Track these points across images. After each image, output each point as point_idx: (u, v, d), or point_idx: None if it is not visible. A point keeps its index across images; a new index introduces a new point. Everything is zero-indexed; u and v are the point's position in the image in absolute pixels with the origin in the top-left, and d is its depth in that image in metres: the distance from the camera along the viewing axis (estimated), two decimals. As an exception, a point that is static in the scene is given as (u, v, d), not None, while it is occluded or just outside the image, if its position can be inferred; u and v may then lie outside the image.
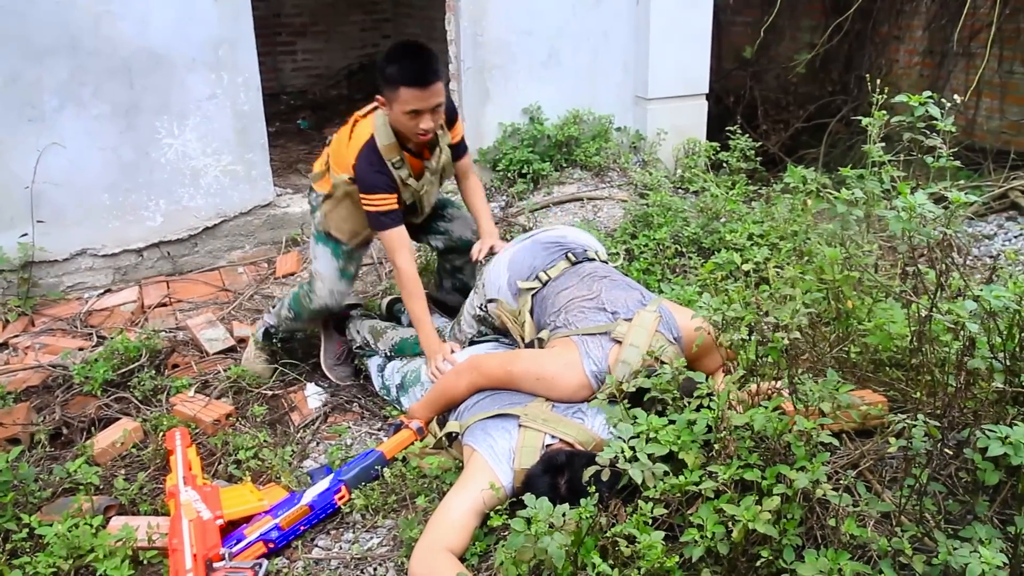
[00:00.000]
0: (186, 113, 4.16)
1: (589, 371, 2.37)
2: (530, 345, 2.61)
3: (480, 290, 2.87)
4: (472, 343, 2.98)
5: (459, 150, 3.14)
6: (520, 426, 2.30)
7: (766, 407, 1.71)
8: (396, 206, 2.88)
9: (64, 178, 3.99)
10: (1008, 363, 1.64)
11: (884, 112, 2.22)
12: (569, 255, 2.73)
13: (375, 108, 2.88)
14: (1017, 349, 1.66)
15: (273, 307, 3.35)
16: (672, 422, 1.81)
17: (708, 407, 1.79)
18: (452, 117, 3.04)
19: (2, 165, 3.85)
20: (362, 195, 2.87)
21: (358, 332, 3.21)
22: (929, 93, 1.89)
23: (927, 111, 1.83)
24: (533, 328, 2.62)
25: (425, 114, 2.70)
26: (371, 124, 2.86)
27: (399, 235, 2.90)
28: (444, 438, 2.50)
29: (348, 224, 3.03)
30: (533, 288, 2.66)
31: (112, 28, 3.91)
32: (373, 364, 3.13)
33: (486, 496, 2.12)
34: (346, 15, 8.98)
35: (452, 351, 2.86)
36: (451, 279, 3.54)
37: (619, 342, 2.38)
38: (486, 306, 2.83)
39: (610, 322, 2.44)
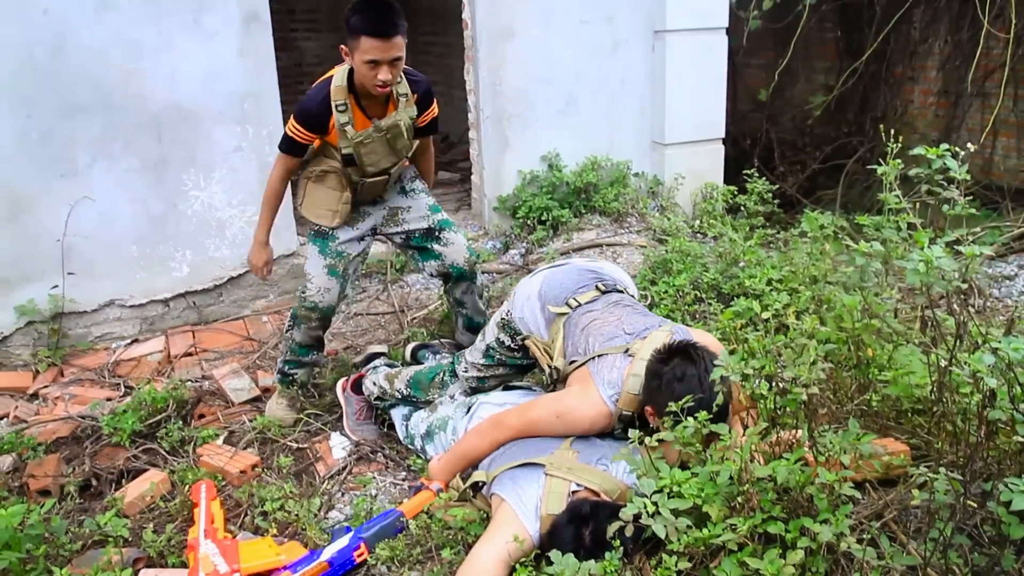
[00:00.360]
0: (212, 166, 4.26)
1: (607, 396, 2.41)
2: (553, 372, 2.65)
3: (511, 299, 2.92)
4: (507, 387, 3.00)
5: (425, 131, 3.28)
6: (546, 475, 2.32)
7: (788, 459, 1.73)
8: (305, 142, 3.07)
9: (94, 231, 4.09)
10: (1030, 414, 1.65)
11: (899, 161, 2.25)
12: (600, 285, 2.78)
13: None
14: (1039, 400, 1.67)
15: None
16: (695, 474, 1.82)
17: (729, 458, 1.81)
18: (428, 101, 3.17)
19: (35, 219, 3.96)
20: (291, 116, 3.03)
21: (375, 384, 3.24)
22: (945, 145, 1.92)
23: (944, 163, 1.86)
24: (562, 354, 2.65)
25: (384, 65, 2.80)
26: (336, 70, 3.02)
27: (288, 161, 3.15)
28: (469, 489, 2.52)
29: (321, 207, 3.16)
30: (564, 313, 2.71)
31: (142, 85, 4.03)
32: (398, 414, 3.15)
33: (511, 548, 2.14)
34: (366, 64, 9.13)
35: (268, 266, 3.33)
36: (460, 316, 3.63)
37: (633, 356, 2.43)
38: (511, 313, 2.87)
39: (626, 342, 2.50)
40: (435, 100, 3.22)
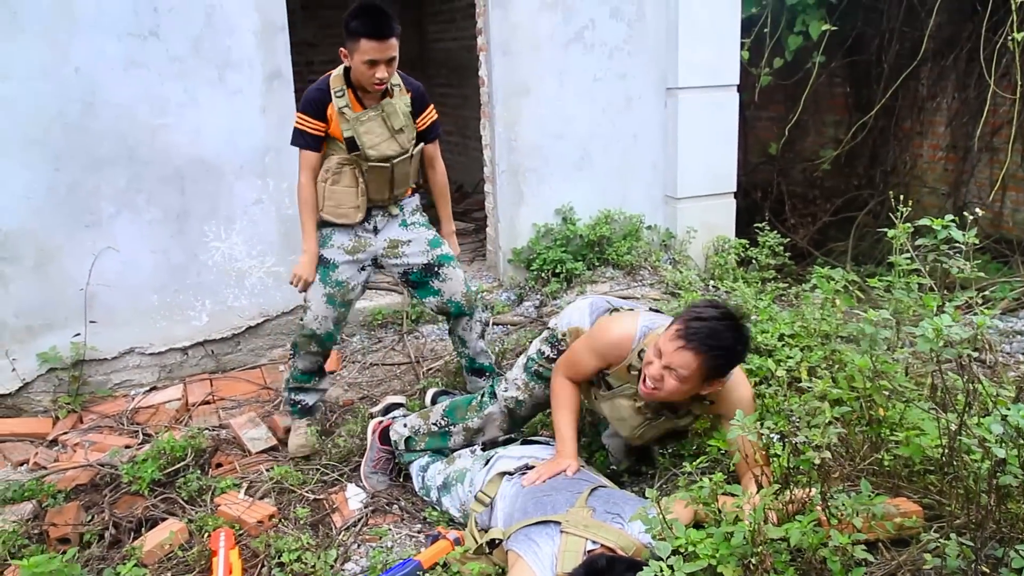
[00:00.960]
0: (233, 218, 4.35)
1: (640, 325, 2.61)
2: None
3: (557, 318, 3.05)
4: (526, 440, 3.05)
5: (426, 135, 3.44)
6: (562, 532, 2.34)
7: (802, 520, 1.76)
8: (316, 132, 3.24)
9: (117, 280, 4.17)
10: (1039, 480, 1.68)
11: (909, 225, 2.31)
12: (650, 308, 2.97)
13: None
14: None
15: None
16: (710, 534, 1.85)
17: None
18: (423, 103, 3.38)
19: (60, 269, 4.05)
20: (297, 113, 3.25)
21: (405, 425, 3.27)
22: (950, 216, 1.98)
23: (949, 234, 1.92)
24: None
25: (381, 64, 3.07)
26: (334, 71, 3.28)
27: (307, 157, 3.28)
28: (485, 544, 2.55)
29: (343, 206, 3.31)
30: (617, 309, 2.88)
31: (167, 140, 4.14)
32: (416, 466, 3.19)
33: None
34: (382, 114, 9.31)
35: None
36: (463, 358, 3.74)
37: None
38: (556, 326, 2.98)
39: None
40: (431, 106, 3.41)
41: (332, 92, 3.19)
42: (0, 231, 3.91)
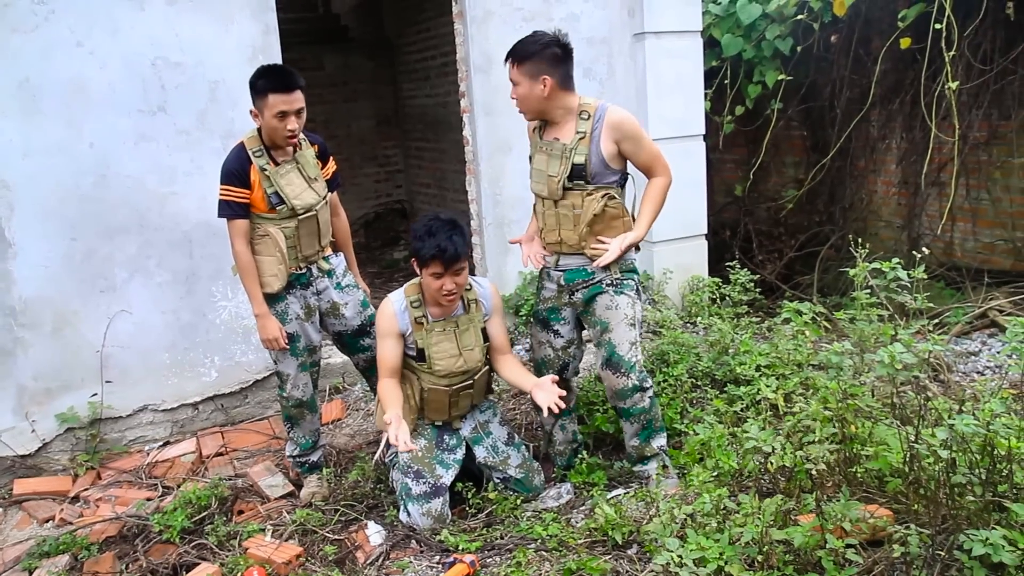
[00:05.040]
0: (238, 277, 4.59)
1: None
2: None
3: None
4: None
5: (331, 184, 3.74)
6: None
7: (803, 526, 2.05)
8: (242, 200, 3.41)
9: (130, 341, 4.40)
10: (985, 477, 1.99)
11: (867, 264, 2.65)
12: None
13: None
14: (992, 465, 2.02)
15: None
16: (717, 540, 2.13)
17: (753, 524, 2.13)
18: (326, 155, 3.69)
19: (77, 333, 4.27)
20: (220, 185, 3.41)
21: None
22: (896, 259, 2.31)
23: (896, 275, 2.25)
24: None
25: (291, 116, 3.30)
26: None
27: (238, 225, 3.44)
28: None
29: (264, 275, 3.52)
30: None
31: (176, 207, 4.40)
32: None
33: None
34: (360, 168, 9.64)
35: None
36: None
37: None
38: None
39: None
40: (332, 157, 3.72)
41: (251, 154, 3.40)
42: (20, 299, 4.14)
